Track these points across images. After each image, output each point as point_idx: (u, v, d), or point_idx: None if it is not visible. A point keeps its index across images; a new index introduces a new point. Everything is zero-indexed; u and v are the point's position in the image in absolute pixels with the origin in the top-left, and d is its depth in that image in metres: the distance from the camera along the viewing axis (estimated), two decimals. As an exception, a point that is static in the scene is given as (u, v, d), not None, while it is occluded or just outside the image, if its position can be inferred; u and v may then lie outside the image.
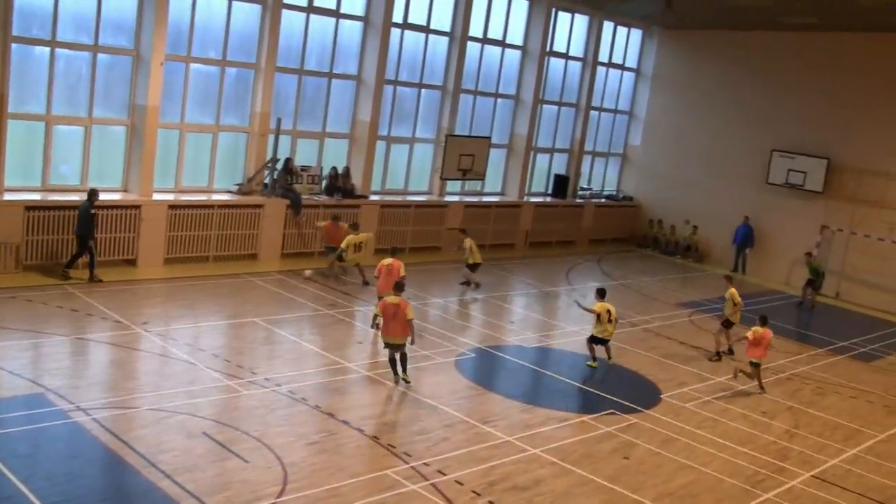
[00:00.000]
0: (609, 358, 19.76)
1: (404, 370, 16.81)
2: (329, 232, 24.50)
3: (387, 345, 16.87)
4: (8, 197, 20.73)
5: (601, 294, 20.11)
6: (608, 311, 19.63)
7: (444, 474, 13.31)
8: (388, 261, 20.63)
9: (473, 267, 25.08)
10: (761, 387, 19.26)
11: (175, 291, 20.85)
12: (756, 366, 19.26)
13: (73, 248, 21.01)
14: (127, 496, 11.87)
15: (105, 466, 12.47)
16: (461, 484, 13.08)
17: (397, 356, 16.82)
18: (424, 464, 13.59)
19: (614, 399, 17.64)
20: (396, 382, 16.80)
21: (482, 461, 13.96)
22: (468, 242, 25.05)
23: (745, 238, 32.90)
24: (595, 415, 16.75)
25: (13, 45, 20.51)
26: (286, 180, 25.70)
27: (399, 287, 17.15)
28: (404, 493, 12.60)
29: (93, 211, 20.74)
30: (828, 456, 16.18)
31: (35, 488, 11.32)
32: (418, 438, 14.57)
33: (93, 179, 22.50)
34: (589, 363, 19.60)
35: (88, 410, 13.80)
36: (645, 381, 19.12)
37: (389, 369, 16.92)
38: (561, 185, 34.90)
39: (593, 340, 19.76)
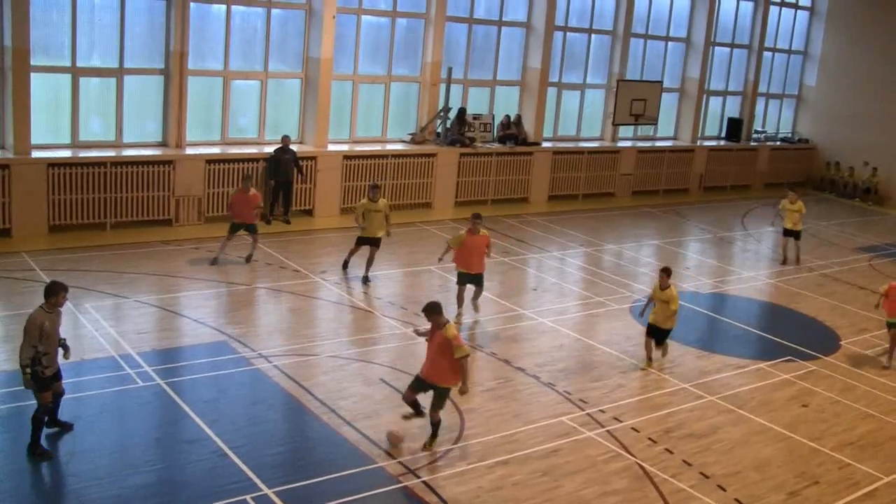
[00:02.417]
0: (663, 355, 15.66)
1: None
2: (238, 202, 18.86)
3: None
4: (190, 151, 21.29)
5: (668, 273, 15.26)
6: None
7: (620, 421, 13.14)
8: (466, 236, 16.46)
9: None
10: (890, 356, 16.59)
11: (351, 241, 20.96)
12: (891, 326, 16.48)
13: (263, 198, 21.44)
14: (308, 441, 12.03)
15: (286, 412, 12.64)
16: (637, 431, 12.90)
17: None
18: (600, 410, 13.42)
19: (792, 346, 16.95)
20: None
21: (658, 408, 13.78)
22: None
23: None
24: (772, 361, 16.11)
25: (192, 5, 20.93)
26: (459, 129, 25.54)
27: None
28: (580, 440, 12.46)
29: (286, 157, 21.50)
30: None
31: (220, 432, 11.59)
32: (594, 385, 14.36)
33: (269, 132, 22.87)
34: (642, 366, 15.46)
35: (269, 357, 14.03)
36: (823, 328, 18.32)
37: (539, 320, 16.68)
38: (734, 128, 33.67)
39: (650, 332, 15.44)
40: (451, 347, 11.32)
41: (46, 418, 10.90)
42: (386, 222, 18.31)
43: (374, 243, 18.23)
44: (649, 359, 15.30)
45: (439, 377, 11.55)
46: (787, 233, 22.75)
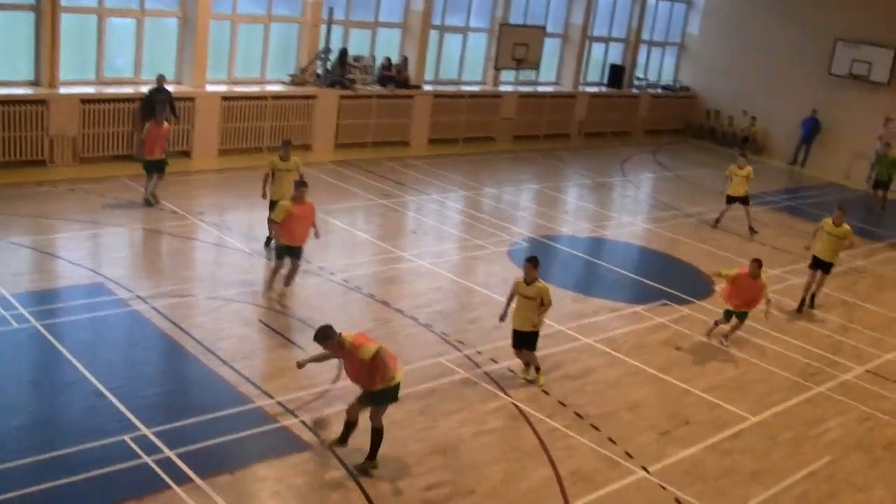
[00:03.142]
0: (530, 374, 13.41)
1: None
2: (151, 136, 18.61)
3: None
4: (64, 90, 20.84)
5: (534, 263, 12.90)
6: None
7: (497, 362, 13.48)
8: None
9: None
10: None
11: (229, 182, 21.00)
12: (737, 316, 15.42)
13: (137, 138, 21.24)
14: (186, 382, 12.20)
15: (164, 353, 12.78)
16: (513, 372, 13.26)
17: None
18: (477, 352, 13.76)
19: (667, 290, 17.58)
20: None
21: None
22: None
23: (811, 131, 32.06)
24: (647, 305, 16.74)
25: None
26: (339, 71, 25.51)
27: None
28: (457, 381, 12.81)
29: (161, 97, 21.10)
30: (882, 350, 16.07)
31: (97, 373, 11.66)
32: (471, 327, 14.71)
33: (146, 72, 22.49)
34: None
35: (147, 299, 14.07)
36: (698, 273, 19.00)
37: (417, 262, 16.98)
38: (616, 75, 34.17)
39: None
40: (368, 364, 9.97)
41: None
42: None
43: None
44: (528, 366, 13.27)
45: (369, 383, 10.18)
46: (731, 199, 22.07)
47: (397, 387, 10.30)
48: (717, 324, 15.46)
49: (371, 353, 9.92)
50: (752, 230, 22.23)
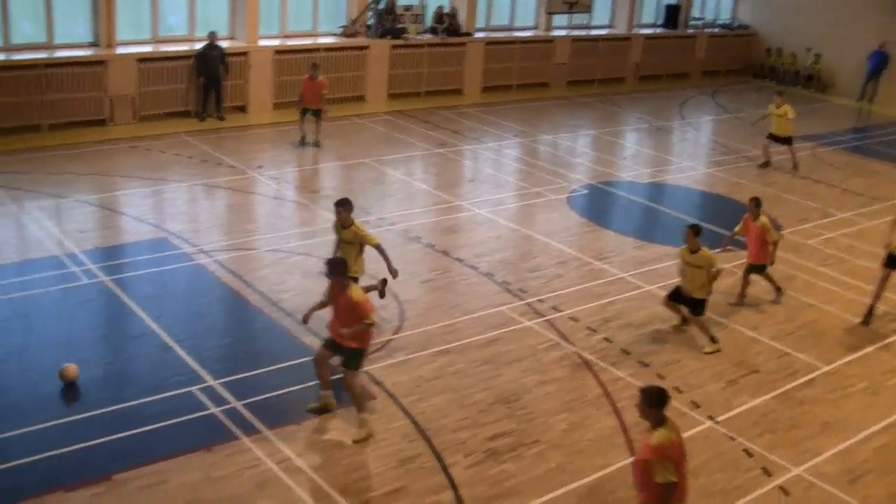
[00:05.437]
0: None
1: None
2: (305, 88, 20.44)
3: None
4: (121, 50, 21.06)
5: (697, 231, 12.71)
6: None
7: (559, 311, 13.42)
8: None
9: None
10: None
11: (285, 136, 21.08)
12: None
13: (193, 95, 21.85)
14: (250, 334, 12.37)
15: (228, 306, 12.97)
16: (575, 320, 13.18)
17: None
18: (539, 300, 13.71)
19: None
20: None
21: (596, 298, 13.98)
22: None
23: (878, 66, 30.88)
24: (713, 251, 16.41)
25: None
26: (389, 20, 25.40)
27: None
28: (519, 329, 12.79)
29: (214, 53, 21.45)
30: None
31: (164, 326, 11.90)
32: (532, 275, 14.66)
33: (200, 29, 22.60)
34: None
35: (210, 253, 14.28)
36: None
37: (475, 211, 16.91)
38: (672, 15, 33.38)
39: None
40: (359, 312, 9.74)
41: None
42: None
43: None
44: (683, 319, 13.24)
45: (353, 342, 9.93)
46: (771, 136, 21.75)
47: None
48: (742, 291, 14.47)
49: (370, 321, 9.73)
50: (795, 166, 21.74)
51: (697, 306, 12.70)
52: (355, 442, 9.85)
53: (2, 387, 10.43)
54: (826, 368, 12.54)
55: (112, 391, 10.45)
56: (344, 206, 11.83)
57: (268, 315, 12.54)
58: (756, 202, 14.04)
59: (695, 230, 12.48)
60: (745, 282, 14.32)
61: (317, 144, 20.44)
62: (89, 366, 10.83)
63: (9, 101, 19.35)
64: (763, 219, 13.97)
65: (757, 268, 14.21)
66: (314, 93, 20.10)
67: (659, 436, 7.51)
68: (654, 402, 7.63)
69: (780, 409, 11.39)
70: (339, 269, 9.96)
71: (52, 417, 9.80)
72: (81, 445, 9.36)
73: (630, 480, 8.87)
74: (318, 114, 20.27)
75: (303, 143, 20.45)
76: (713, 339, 12.72)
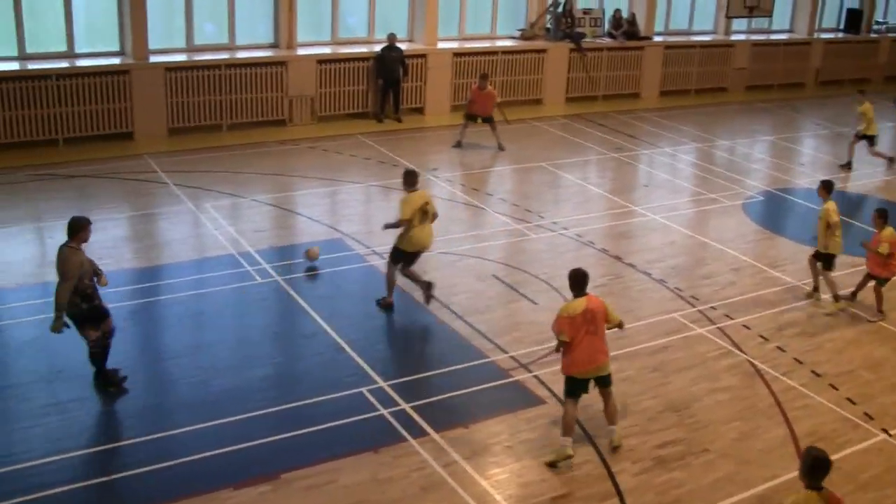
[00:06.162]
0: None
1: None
2: (474, 98, 20.57)
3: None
4: (301, 52, 21.48)
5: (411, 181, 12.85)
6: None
7: (731, 318, 13.03)
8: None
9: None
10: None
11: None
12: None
13: (372, 96, 22.11)
14: (421, 336, 12.32)
15: (399, 307, 12.87)
16: (748, 328, 12.77)
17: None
18: (711, 307, 13.32)
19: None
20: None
21: (769, 306, 13.55)
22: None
23: None
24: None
25: None
26: (567, 23, 25.10)
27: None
28: (691, 337, 12.43)
29: (393, 54, 21.65)
30: None
31: (336, 327, 11.92)
32: (705, 282, 14.25)
33: (379, 31, 22.85)
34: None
35: (383, 255, 14.23)
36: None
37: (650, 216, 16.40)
38: (854, 19, 32.09)
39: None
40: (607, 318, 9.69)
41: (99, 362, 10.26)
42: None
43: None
44: (815, 288, 13.84)
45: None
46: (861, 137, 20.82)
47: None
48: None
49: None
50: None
51: (825, 261, 13.52)
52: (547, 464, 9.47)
53: (173, 383, 10.64)
54: None
55: (283, 390, 10.52)
56: (403, 177, 12.99)
57: (438, 317, 12.43)
58: (879, 214, 13.35)
59: (880, 213, 13.18)
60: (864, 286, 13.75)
61: (500, 148, 20.37)
62: (262, 364, 10.95)
63: (190, 101, 20.00)
64: (888, 231, 13.20)
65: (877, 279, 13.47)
66: (484, 103, 20.16)
67: (795, 498, 6.93)
68: (805, 470, 6.93)
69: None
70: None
71: (222, 415, 9.91)
72: (251, 444, 9.41)
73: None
74: (489, 120, 20.21)
75: (458, 146, 20.42)
76: (836, 299, 13.36)
